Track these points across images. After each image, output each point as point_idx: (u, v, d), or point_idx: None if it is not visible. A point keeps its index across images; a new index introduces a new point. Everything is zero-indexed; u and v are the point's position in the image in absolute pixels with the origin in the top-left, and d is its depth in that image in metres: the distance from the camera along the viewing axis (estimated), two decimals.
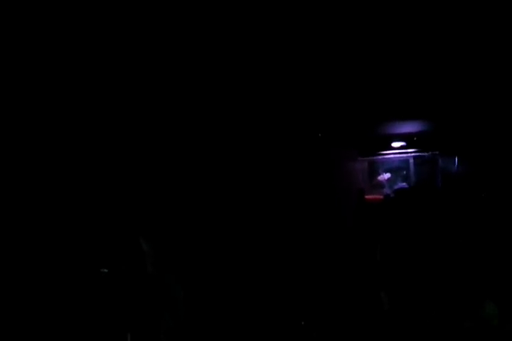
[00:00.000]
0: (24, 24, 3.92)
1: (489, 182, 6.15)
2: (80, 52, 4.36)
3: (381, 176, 7.71)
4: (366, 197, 6.80)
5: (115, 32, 4.37)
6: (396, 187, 7.32)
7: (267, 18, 4.64)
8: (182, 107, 5.30)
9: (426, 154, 7.57)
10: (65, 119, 4.36)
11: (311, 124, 6.64)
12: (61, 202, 4.20)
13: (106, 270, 4.01)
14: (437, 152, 7.44)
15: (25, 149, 4.15)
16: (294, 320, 4.60)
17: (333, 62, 5.33)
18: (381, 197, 6.83)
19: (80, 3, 3.97)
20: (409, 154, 7.67)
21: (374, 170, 7.83)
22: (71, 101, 4.46)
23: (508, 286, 4.13)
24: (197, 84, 5.25)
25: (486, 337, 3.74)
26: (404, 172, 7.75)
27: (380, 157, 7.79)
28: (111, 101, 4.76)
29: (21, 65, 4.06)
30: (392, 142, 7.57)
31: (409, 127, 7.28)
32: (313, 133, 6.81)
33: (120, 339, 3.85)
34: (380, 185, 7.61)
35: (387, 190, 7.31)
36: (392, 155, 7.75)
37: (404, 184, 7.56)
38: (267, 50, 5.06)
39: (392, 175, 7.73)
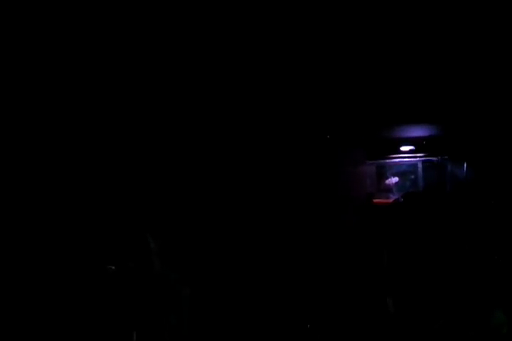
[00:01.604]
0: (24, 24, 3.92)
1: (499, 188, 6.11)
2: (80, 52, 4.36)
3: (389, 180, 7.65)
4: (374, 200, 6.77)
5: (115, 32, 4.37)
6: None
7: (279, 23, 4.64)
8: (194, 112, 5.30)
9: (435, 159, 7.52)
10: (78, 119, 4.36)
11: (320, 126, 6.62)
12: (71, 200, 4.20)
13: (113, 267, 4.01)
14: (446, 157, 7.39)
15: (35, 148, 4.15)
16: (300, 323, 4.57)
17: (345, 65, 5.33)
18: (389, 201, 6.78)
19: (80, 3, 3.98)
20: (417, 158, 7.62)
21: (382, 173, 7.77)
22: (74, 102, 4.46)
23: None
24: (206, 88, 5.25)
25: None
26: (413, 176, 7.69)
27: (389, 161, 7.74)
28: (117, 101, 4.75)
29: (22, 65, 4.06)
30: (400, 146, 7.54)
31: (418, 131, 7.26)
32: (321, 135, 6.79)
33: (126, 336, 3.84)
34: (388, 189, 7.55)
35: (395, 194, 7.26)
36: (400, 159, 7.71)
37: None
38: (278, 54, 5.06)
39: (400, 179, 7.67)
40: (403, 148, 7.58)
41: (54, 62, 4.30)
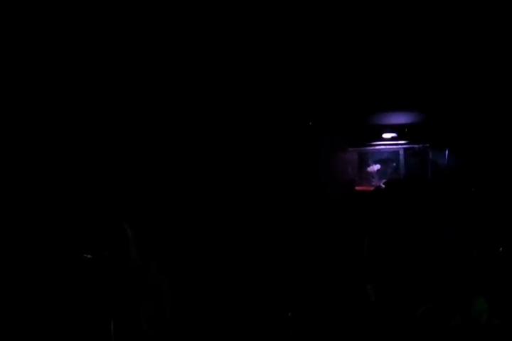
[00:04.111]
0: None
1: (479, 176, 6.14)
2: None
3: (371, 167, 7.66)
4: (356, 187, 6.76)
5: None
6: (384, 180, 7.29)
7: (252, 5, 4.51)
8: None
9: (416, 146, 7.54)
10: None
11: (302, 113, 6.55)
12: (45, 186, 4.07)
13: (89, 256, 3.91)
14: (428, 144, 7.42)
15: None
16: (280, 311, 4.55)
17: (325, 50, 5.23)
18: (371, 188, 6.79)
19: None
20: (399, 146, 7.63)
21: (364, 160, 7.77)
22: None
23: (498, 282, 4.12)
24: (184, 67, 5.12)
25: (474, 334, 3.72)
26: (394, 163, 7.71)
27: (371, 148, 7.75)
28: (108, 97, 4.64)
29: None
30: (382, 133, 7.52)
31: (400, 118, 7.24)
32: (303, 121, 6.72)
33: (103, 326, 3.76)
34: (370, 176, 7.57)
35: (376, 182, 7.28)
36: (382, 146, 7.71)
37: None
38: (257, 38, 4.94)
39: (382, 167, 7.68)
40: (385, 135, 7.58)
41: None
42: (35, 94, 4.08)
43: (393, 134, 7.54)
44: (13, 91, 3.90)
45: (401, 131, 7.47)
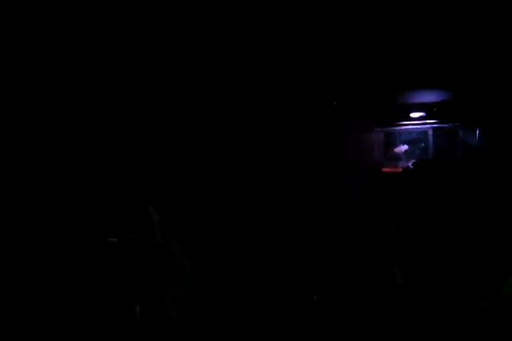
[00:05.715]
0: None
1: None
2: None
3: (398, 148, 7.51)
4: (383, 169, 6.65)
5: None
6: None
7: None
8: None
9: (446, 125, 7.35)
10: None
11: (326, 93, 6.45)
12: (72, 172, 4.13)
13: (115, 239, 3.96)
14: (458, 123, 7.21)
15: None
16: (307, 294, 4.55)
17: (351, 29, 5.13)
18: (399, 169, 6.68)
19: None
20: (428, 125, 7.45)
21: (391, 141, 7.62)
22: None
23: None
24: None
25: (506, 316, 3.66)
26: (423, 144, 7.53)
27: (398, 128, 7.58)
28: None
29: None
30: (410, 112, 7.35)
31: (429, 97, 7.05)
32: (328, 101, 6.62)
33: (128, 307, 3.83)
34: (397, 157, 7.43)
35: (404, 163, 7.15)
36: (410, 126, 7.53)
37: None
38: (284, 14, 4.86)
39: (409, 147, 7.52)
40: (413, 115, 7.40)
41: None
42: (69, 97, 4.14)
43: (422, 113, 7.35)
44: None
45: (430, 110, 7.27)
